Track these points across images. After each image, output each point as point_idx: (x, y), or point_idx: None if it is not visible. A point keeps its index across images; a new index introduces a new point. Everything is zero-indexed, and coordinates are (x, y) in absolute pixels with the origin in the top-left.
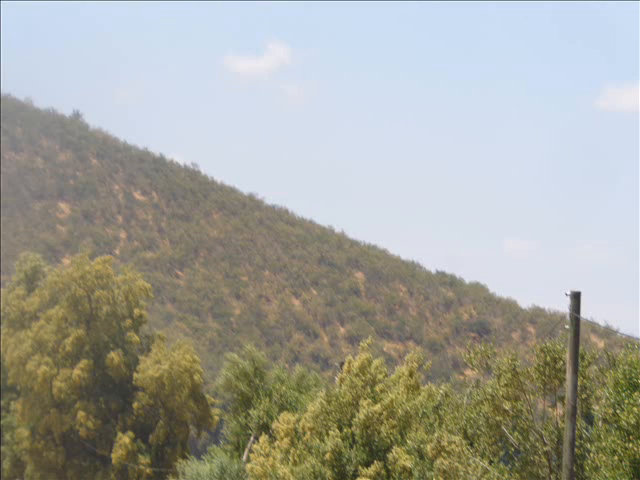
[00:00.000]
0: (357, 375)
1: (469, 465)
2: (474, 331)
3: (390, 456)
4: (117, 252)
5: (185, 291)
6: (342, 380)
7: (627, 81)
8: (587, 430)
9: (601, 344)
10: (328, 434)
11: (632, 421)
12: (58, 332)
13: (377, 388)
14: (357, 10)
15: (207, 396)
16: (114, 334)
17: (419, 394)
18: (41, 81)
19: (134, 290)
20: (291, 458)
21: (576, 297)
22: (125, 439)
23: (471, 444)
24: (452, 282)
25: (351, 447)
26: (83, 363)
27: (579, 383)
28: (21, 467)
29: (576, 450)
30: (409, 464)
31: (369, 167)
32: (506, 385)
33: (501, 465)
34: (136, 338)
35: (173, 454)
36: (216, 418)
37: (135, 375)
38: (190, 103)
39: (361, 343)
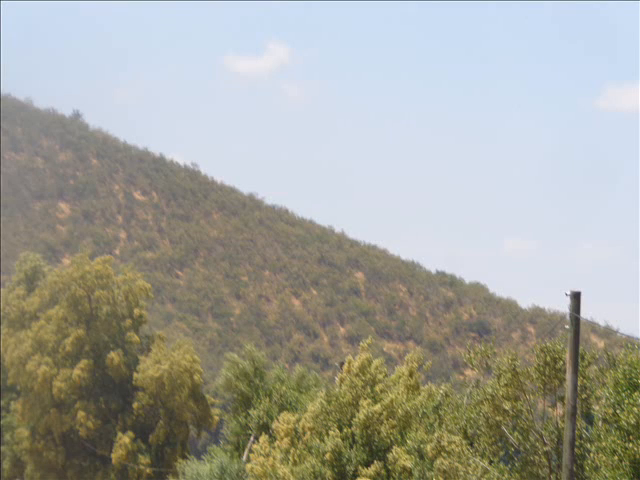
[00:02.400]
0: (357, 375)
1: (469, 465)
2: (474, 331)
3: (390, 456)
4: (117, 252)
5: (185, 291)
6: (342, 380)
7: (627, 81)
8: (587, 430)
9: (601, 344)
10: (328, 434)
11: (632, 421)
12: (58, 332)
13: (377, 388)
14: (357, 10)
15: (207, 396)
16: (114, 334)
17: (419, 394)
18: (41, 81)
19: (134, 290)
20: (291, 458)
21: (576, 297)
22: (125, 439)
23: (471, 444)
24: (452, 282)
25: (351, 447)
26: (83, 363)
27: (579, 383)
28: (21, 467)
29: (576, 450)
30: (409, 464)
31: (369, 167)
32: (506, 385)
33: (501, 465)
34: (136, 338)
35: (173, 454)
36: (216, 418)
37: (135, 375)
38: (190, 103)
39: (361, 343)
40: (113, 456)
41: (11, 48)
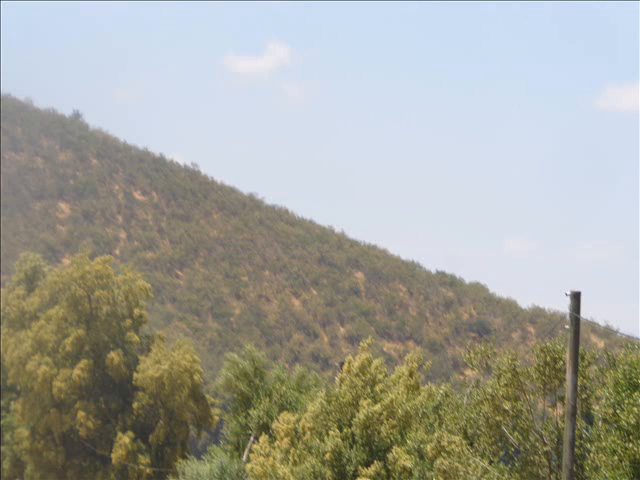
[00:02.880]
0: (357, 375)
1: (469, 465)
2: (474, 331)
3: (390, 456)
4: (117, 252)
5: (185, 291)
6: (342, 380)
7: (627, 81)
8: (587, 430)
9: (601, 344)
10: (328, 434)
11: (632, 421)
12: (58, 332)
13: (377, 388)
14: (357, 10)
15: (207, 396)
16: (114, 334)
17: (419, 394)
18: (41, 81)
19: (134, 290)
20: (291, 458)
21: (576, 297)
22: (125, 439)
23: (471, 444)
24: (452, 282)
25: (351, 447)
26: (83, 363)
27: (579, 383)
28: (21, 467)
29: (576, 450)
30: (409, 464)
31: (369, 167)
32: (506, 385)
33: (501, 465)
34: (136, 338)
35: (173, 454)
36: (216, 418)
37: (135, 375)
38: (190, 103)
39: (361, 343)
40: (113, 456)
41: (11, 48)
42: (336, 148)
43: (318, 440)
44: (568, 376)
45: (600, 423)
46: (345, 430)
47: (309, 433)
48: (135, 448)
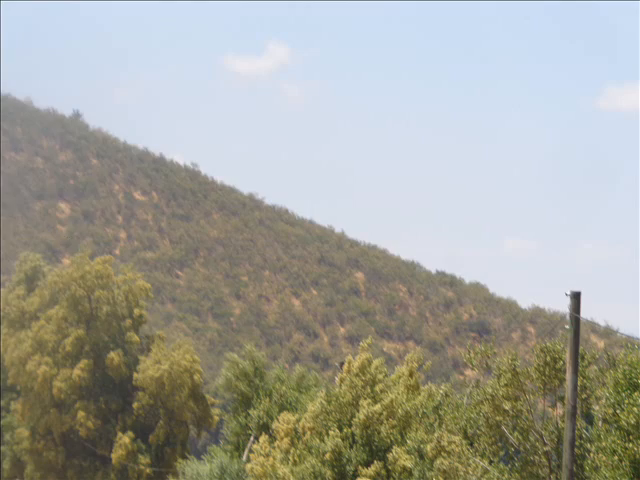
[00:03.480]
0: (357, 375)
1: (469, 465)
2: (474, 331)
3: (390, 456)
4: (117, 252)
5: (185, 291)
6: (342, 380)
7: (627, 81)
8: (587, 430)
9: (601, 344)
10: (328, 434)
11: (632, 421)
12: (58, 332)
13: (377, 388)
14: (357, 10)
15: (207, 396)
16: (114, 334)
17: (419, 394)
18: (41, 81)
19: (134, 290)
20: (291, 458)
21: (576, 297)
22: (125, 439)
23: (471, 444)
24: (452, 282)
25: (351, 447)
26: (83, 363)
27: (579, 383)
28: (21, 467)
29: (576, 450)
30: (409, 464)
31: (369, 167)
32: (506, 385)
33: (501, 465)
34: (136, 338)
35: (173, 454)
36: (216, 418)
37: (135, 375)
38: (190, 103)
39: (361, 343)
40: (113, 456)
41: (11, 48)
42: (336, 148)
43: (318, 440)
44: (568, 376)
45: (600, 423)
46: (345, 430)
47: (309, 433)
48: (135, 448)
